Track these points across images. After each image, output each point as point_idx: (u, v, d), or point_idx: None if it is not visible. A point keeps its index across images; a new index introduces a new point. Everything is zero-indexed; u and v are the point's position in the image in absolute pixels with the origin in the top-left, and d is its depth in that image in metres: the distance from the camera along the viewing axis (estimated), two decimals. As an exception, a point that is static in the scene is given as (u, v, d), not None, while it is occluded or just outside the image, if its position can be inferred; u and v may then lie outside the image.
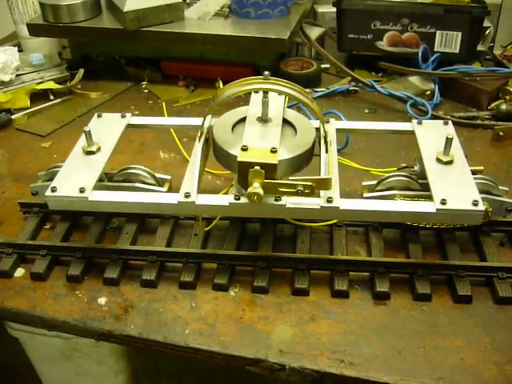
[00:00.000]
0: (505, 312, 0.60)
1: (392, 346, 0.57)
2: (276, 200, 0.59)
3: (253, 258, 0.65)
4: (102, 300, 0.63)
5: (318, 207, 0.59)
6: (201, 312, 0.61)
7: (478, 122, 0.94)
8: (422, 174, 0.65)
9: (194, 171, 0.62)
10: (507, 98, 0.96)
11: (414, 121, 0.71)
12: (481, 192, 0.60)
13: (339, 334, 0.58)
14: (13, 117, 1.00)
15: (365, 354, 0.56)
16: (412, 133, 0.70)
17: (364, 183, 0.71)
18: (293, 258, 0.65)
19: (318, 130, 0.67)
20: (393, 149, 0.86)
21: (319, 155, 0.65)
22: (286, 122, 0.66)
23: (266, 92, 0.62)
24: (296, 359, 0.56)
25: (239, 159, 0.57)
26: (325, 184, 0.58)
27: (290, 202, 0.59)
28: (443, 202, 0.58)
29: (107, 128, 0.71)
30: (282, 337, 0.58)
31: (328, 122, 0.71)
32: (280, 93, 0.63)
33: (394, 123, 0.73)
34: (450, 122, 0.70)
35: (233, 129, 0.65)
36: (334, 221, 0.69)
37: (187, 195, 0.60)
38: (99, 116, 0.74)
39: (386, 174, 0.69)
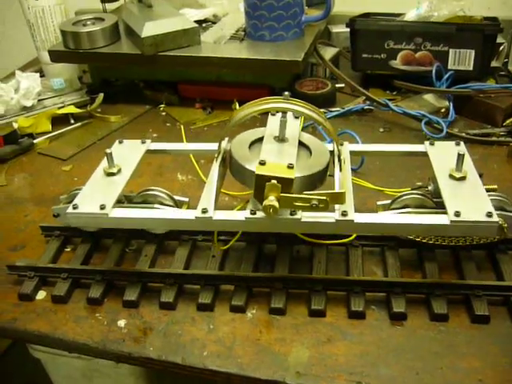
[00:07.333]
0: (523, 332, 0.60)
1: (409, 366, 0.57)
2: (291, 214, 0.60)
3: (269, 279, 0.66)
4: (122, 322, 0.64)
5: (333, 220, 0.60)
6: (218, 334, 0.62)
7: (493, 138, 0.94)
8: (437, 193, 0.66)
9: (211, 189, 0.64)
10: (522, 114, 0.96)
11: (427, 142, 0.72)
12: (495, 209, 0.60)
13: (356, 355, 0.59)
14: (35, 141, 1.02)
15: (382, 375, 0.56)
16: (425, 154, 0.70)
17: (379, 202, 0.71)
18: (309, 279, 0.65)
19: (332, 152, 0.68)
20: (407, 167, 0.87)
21: (333, 175, 0.66)
22: (301, 144, 0.67)
23: (284, 112, 0.64)
24: (313, 381, 0.56)
25: (257, 172, 0.59)
26: (339, 198, 0.59)
27: (305, 215, 0.60)
28: (457, 213, 0.58)
29: (127, 153, 0.73)
30: (298, 358, 0.58)
31: (342, 145, 0.72)
32: (295, 112, 0.64)
33: (407, 145, 0.74)
34: (461, 142, 0.71)
35: (250, 146, 0.67)
36: (351, 238, 0.69)
37: (204, 211, 0.61)
38: (120, 142, 0.76)
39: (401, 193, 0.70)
